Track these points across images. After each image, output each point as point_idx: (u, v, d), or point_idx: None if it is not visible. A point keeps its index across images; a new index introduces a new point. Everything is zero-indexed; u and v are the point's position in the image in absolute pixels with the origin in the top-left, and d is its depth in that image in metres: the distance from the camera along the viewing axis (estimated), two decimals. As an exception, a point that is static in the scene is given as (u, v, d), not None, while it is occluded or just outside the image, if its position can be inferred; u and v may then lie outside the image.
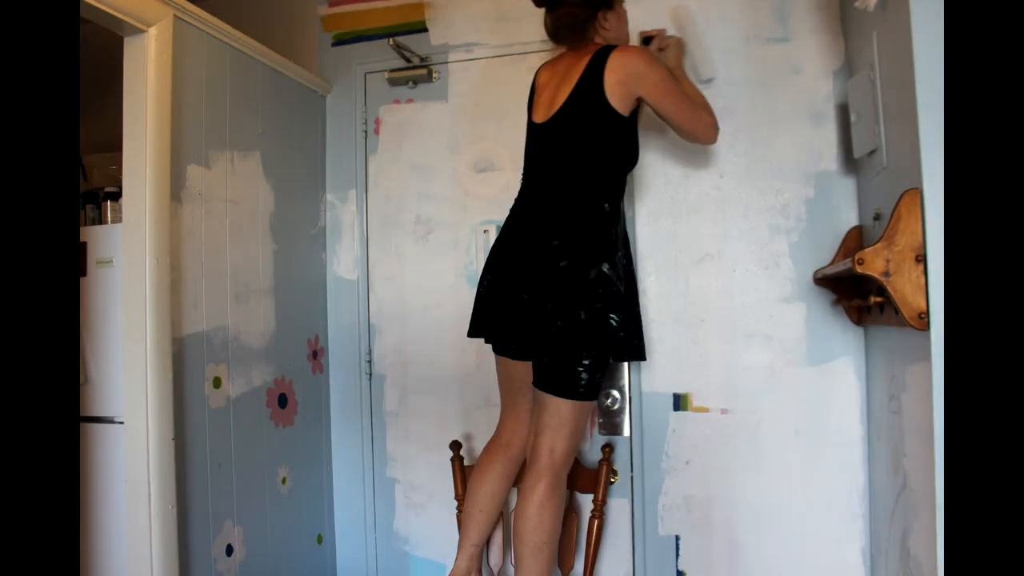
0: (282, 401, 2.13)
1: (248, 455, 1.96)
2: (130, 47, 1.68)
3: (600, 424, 2.15)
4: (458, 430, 2.27)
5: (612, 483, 2.13)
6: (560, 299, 1.63)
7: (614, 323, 1.65)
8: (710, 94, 2.08)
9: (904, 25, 1.35)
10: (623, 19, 1.85)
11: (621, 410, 2.14)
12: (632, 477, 2.12)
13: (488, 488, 1.84)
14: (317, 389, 2.33)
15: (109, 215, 2.03)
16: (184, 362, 1.75)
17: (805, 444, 2.00)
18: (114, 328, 1.78)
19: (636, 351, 1.83)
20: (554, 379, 1.66)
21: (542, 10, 1.89)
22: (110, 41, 1.71)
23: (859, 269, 1.38)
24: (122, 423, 1.68)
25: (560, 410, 1.68)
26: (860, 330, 1.97)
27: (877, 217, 1.70)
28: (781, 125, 2.04)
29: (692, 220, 2.11)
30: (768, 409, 2.03)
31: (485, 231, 2.24)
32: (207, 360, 1.83)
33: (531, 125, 1.84)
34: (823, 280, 1.95)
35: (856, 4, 1.61)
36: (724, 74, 2.08)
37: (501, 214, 2.25)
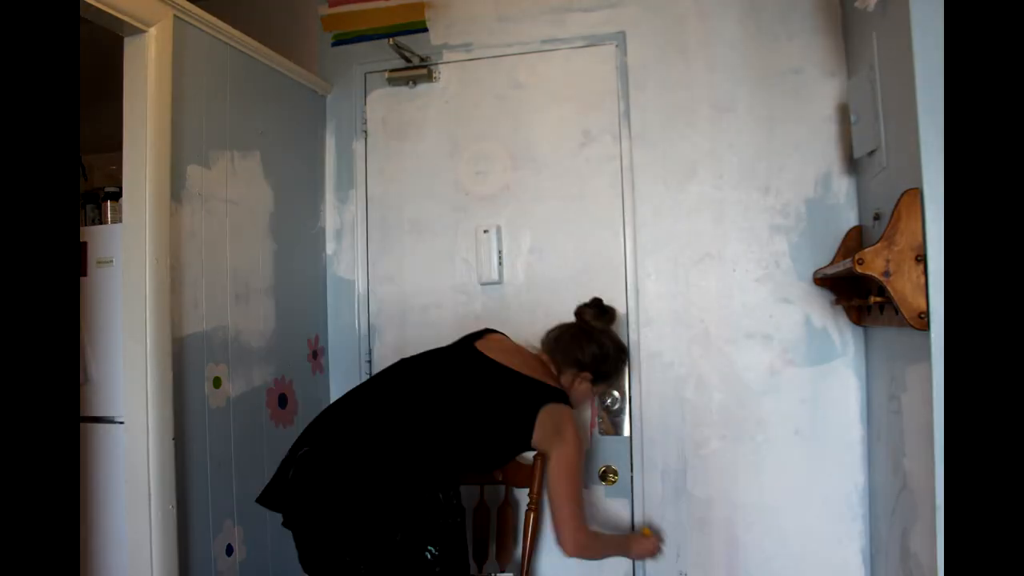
0: (282, 401, 2.13)
1: (248, 455, 1.96)
2: (130, 47, 1.68)
3: (600, 424, 2.15)
4: (458, 430, 2.27)
5: (612, 483, 2.13)
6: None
7: None
8: (711, 93, 2.09)
9: (904, 25, 1.35)
10: (589, 396, 1.90)
11: (621, 410, 2.14)
12: (632, 477, 2.13)
13: None
14: (317, 389, 2.33)
15: (109, 215, 2.03)
16: (184, 362, 1.75)
17: (805, 444, 2.00)
18: (114, 328, 1.78)
19: None
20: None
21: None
22: (110, 41, 1.71)
23: (859, 269, 1.39)
24: (122, 423, 1.68)
25: None
26: (860, 330, 1.97)
27: (877, 217, 1.70)
28: (781, 125, 2.04)
29: (692, 220, 2.11)
30: (768, 409, 2.03)
31: (485, 231, 2.24)
32: (207, 360, 1.83)
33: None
34: (823, 280, 1.96)
35: (856, 4, 1.61)
36: (725, 73, 2.08)
37: (501, 214, 2.27)
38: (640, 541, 1.94)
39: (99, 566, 1.83)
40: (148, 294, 1.64)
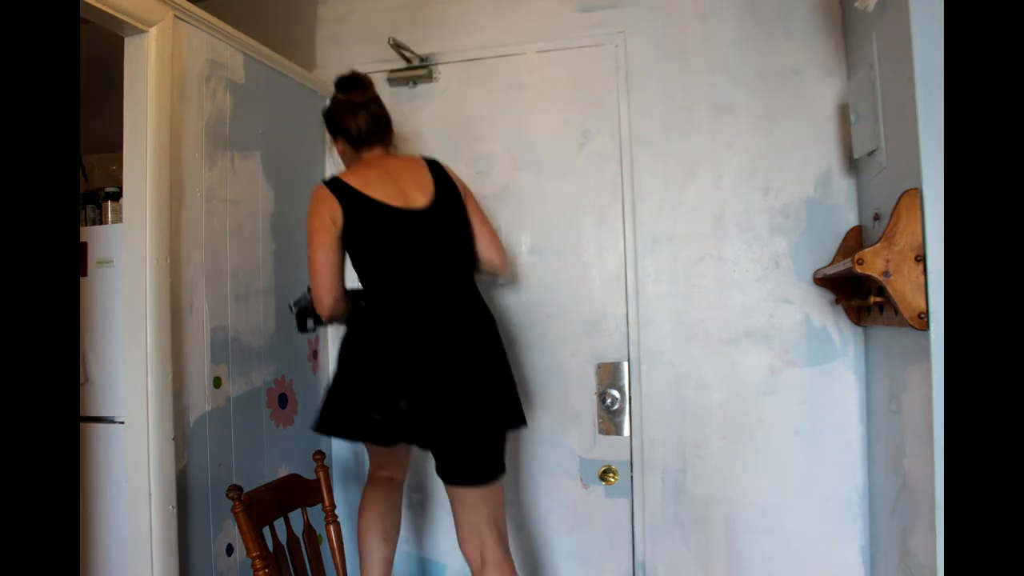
0: (282, 401, 2.13)
1: (248, 455, 1.96)
2: (130, 47, 1.68)
3: (600, 424, 2.15)
4: (458, 430, 2.27)
5: (612, 483, 2.13)
6: (500, 372, 1.73)
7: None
8: (711, 93, 2.09)
9: (904, 25, 1.35)
10: (349, 155, 1.92)
11: (621, 410, 2.14)
12: (632, 477, 2.13)
13: (384, 536, 1.86)
14: (317, 389, 2.33)
15: (109, 215, 2.03)
16: (184, 362, 1.75)
17: (805, 444, 2.00)
18: (114, 328, 1.78)
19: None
20: (494, 461, 1.72)
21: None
22: (110, 41, 1.71)
23: (859, 269, 1.39)
24: (122, 423, 1.68)
25: (500, 493, 1.74)
26: (860, 330, 1.97)
27: (877, 217, 1.70)
28: (781, 125, 2.04)
29: (692, 220, 2.11)
30: (768, 409, 2.03)
31: (485, 231, 2.24)
32: (207, 360, 1.83)
33: (399, 212, 1.70)
34: (823, 280, 1.96)
35: (856, 4, 1.61)
36: (725, 73, 2.09)
37: (500, 215, 2.26)
38: None
39: (99, 566, 1.83)
40: (148, 294, 1.64)
